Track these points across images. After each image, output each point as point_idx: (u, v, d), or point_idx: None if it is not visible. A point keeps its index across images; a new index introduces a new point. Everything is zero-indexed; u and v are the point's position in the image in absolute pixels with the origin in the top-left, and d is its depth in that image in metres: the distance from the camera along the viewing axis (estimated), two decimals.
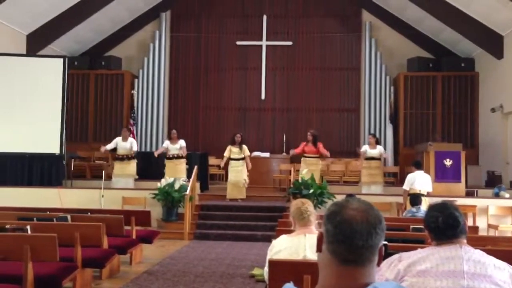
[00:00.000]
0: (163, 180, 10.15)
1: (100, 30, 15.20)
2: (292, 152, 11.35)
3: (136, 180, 11.52)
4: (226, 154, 11.22)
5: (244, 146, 11.25)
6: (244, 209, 10.36)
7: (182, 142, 11.35)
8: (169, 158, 11.25)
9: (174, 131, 11.58)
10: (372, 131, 14.08)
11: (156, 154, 11.68)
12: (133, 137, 14.53)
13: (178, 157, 11.22)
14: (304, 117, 15.16)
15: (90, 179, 12.52)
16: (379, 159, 11.22)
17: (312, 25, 15.39)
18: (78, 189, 10.94)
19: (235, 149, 11.16)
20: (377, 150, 11.24)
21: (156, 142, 15.02)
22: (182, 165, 11.19)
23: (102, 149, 11.53)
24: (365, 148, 11.28)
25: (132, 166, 11.40)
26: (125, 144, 11.48)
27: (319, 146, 10.91)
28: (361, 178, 11.39)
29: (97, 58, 15.28)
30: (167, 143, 11.47)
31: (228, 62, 15.53)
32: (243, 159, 11.17)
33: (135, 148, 11.60)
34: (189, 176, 10.67)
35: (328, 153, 11.02)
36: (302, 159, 11.03)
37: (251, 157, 13.76)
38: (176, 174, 10.74)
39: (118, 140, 11.53)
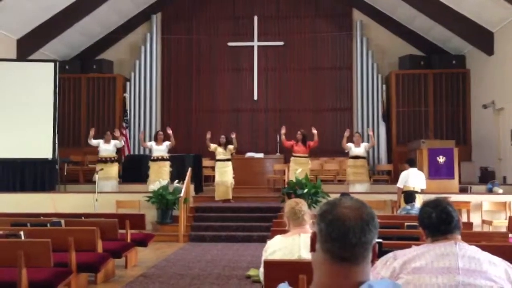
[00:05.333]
0: (151, 185, 10.15)
1: (91, 33, 15.13)
2: (283, 135, 11.14)
3: (120, 183, 11.44)
4: (212, 148, 11.26)
5: (230, 146, 11.23)
6: (238, 210, 10.35)
7: (168, 144, 11.33)
8: (154, 160, 11.22)
9: (160, 132, 11.55)
10: (365, 130, 14.08)
11: (142, 137, 12.16)
12: (126, 140, 14.46)
13: (163, 159, 11.20)
14: (297, 117, 15.14)
15: (83, 184, 12.44)
16: (364, 157, 11.15)
17: (303, 25, 15.40)
18: (71, 194, 10.88)
19: (220, 150, 11.19)
20: (362, 148, 11.13)
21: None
22: (166, 167, 11.15)
23: (92, 132, 11.51)
24: (350, 146, 11.17)
25: (114, 169, 11.34)
26: (108, 146, 11.41)
27: (309, 145, 10.94)
28: (347, 176, 11.37)
29: (89, 62, 15.20)
30: (152, 143, 11.43)
31: (220, 64, 15.50)
32: (229, 160, 11.19)
33: (120, 145, 11.61)
34: (172, 179, 10.59)
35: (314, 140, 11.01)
36: (292, 158, 11.05)
37: (245, 158, 13.84)
38: (160, 176, 10.69)
39: (100, 142, 11.43)
